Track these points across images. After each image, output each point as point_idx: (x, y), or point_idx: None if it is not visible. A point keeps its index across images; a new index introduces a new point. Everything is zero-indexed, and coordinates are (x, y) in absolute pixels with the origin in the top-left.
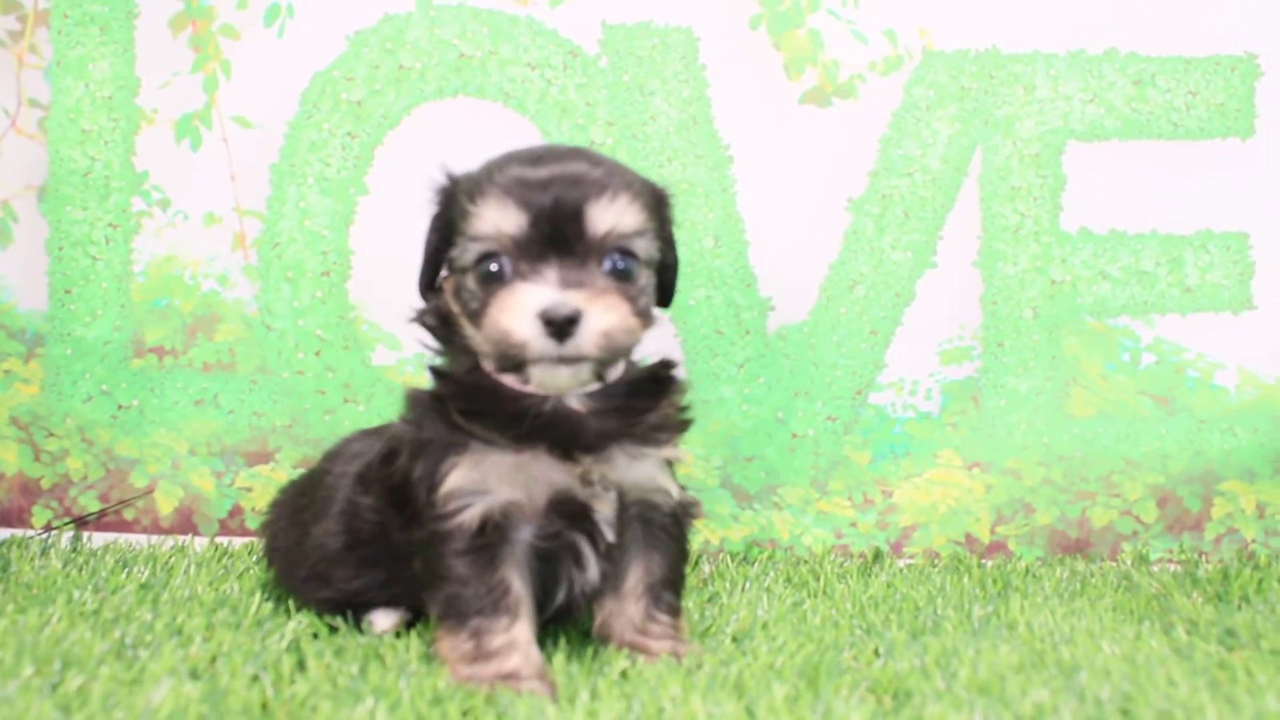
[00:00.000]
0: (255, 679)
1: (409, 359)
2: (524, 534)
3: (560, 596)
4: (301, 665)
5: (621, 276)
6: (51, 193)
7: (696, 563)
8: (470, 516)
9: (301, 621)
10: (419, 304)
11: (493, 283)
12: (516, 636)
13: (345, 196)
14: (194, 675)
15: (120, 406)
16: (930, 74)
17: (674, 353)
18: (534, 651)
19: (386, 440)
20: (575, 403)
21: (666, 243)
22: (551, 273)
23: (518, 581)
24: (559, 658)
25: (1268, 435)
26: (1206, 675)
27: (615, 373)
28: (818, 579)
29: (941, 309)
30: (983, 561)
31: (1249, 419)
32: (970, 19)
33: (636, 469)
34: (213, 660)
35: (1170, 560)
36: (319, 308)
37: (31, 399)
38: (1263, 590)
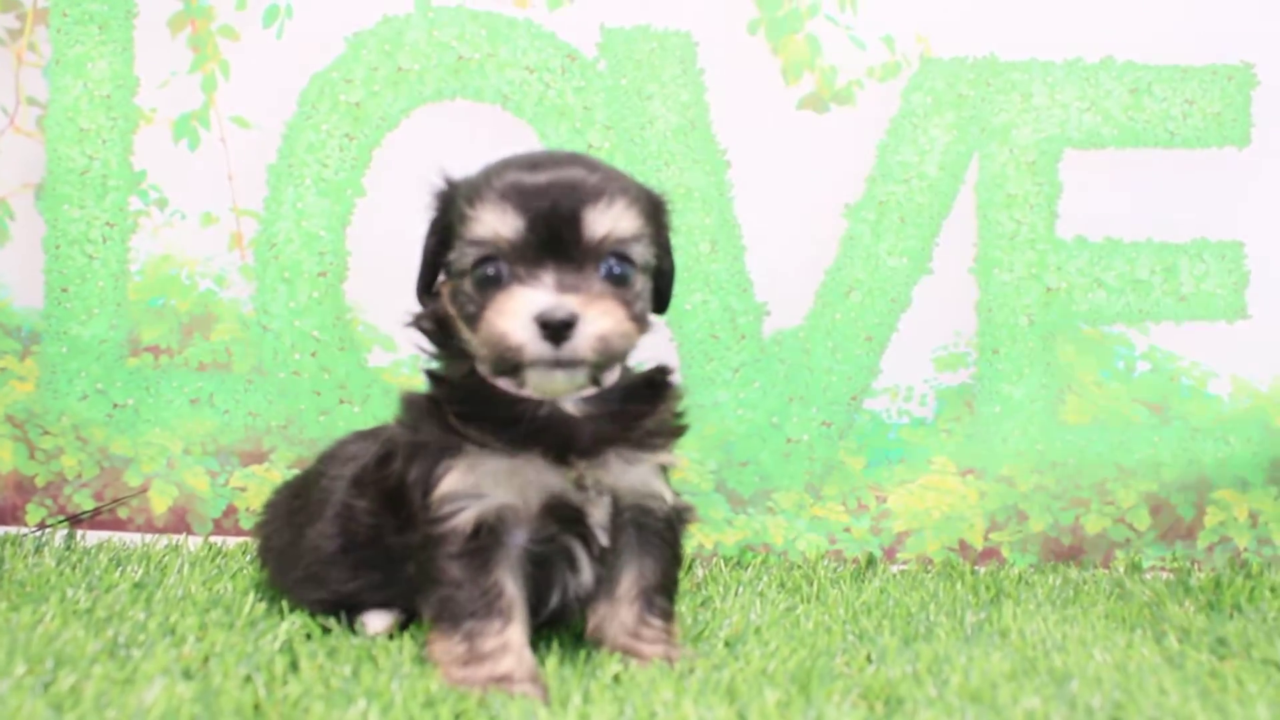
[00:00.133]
0: (248, 679)
1: (404, 360)
2: (518, 538)
3: (554, 600)
4: (294, 666)
5: (618, 281)
6: (49, 191)
7: (690, 567)
8: (464, 520)
9: (295, 622)
10: (416, 307)
11: (490, 286)
12: (509, 639)
13: (343, 198)
14: (187, 675)
15: (115, 405)
16: (928, 81)
17: (670, 357)
18: (527, 655)
19: (382, 443)
20: (570, 407)
21: (663, 249)
22: (548, 277)
23: (511, 584)
24: (551, 661)
25: (1261, 444)
26: (1198, 684)
27: (611, 377)
28: (811, 584)
29: (937, 315)
30: (976, 568)
31: (1242, 428)
32: (968, 26)
33: (631, 474)
34: (205, 660)
35: (1163, 568)
36: (315, 308)
37: (27, 397)
38: (1255, 599)
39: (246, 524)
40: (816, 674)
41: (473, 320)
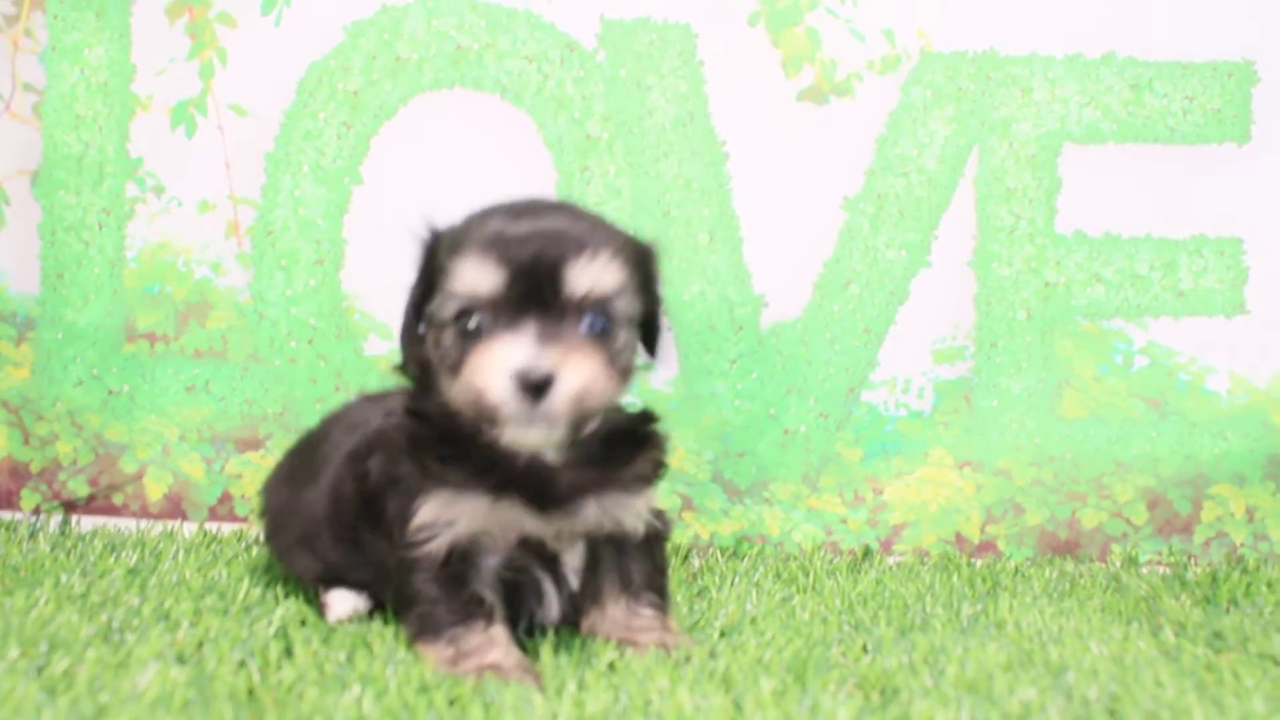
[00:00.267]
0: (242, 665)
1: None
2: (491, 562)
3: (521, 626)
4: (289, 651)
5: (599, 337)
6: (45, 177)
7: (686, 557)
8: (439, 545)
9: (289, 608)
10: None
11: (470, 339)
12: (494, 635)
13: (340, 186)
14: (181, 660)
15: (111, 392)
16: (928, 74)
17: (668, 348)
18: (514, 650)
19: (363, 435)
20: (550, 456)
21: (651, 297)
22: (528, 332)
23: (489, 594)
24: (545, 649)
25: (1258, 440)
26: (1194, 677)
27: (591, 425)
28: (807, 575)
29: (935, 308)
30: (972, 560)
31: (1240, 423)
32: (968, 20)
33: (606, 519)
34: (200, 645)
35: (1159, 563)
36: (312, 296)
37: (22, 383)
38: (1251, 594)
39: (241, 511)
40: (812, 664)
41: (453, 371)
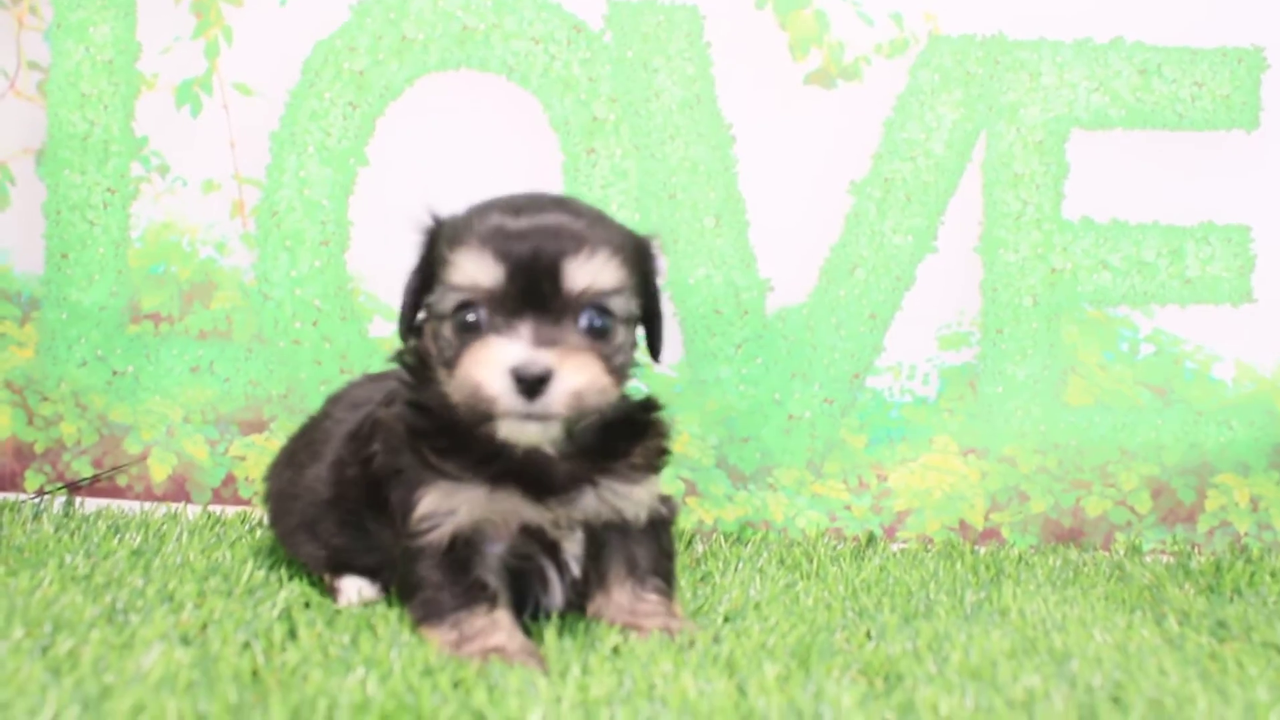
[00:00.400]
0: (246, 646)
1: None
2: (495, 549)
3: (526, 612)
4: (293, 633)
5: (597, 334)
6: (50, 156)
7: (690, 542)
8: (442, 534)
9: (293, 590)
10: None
11: (468, 333)
12: (497, 618)
13: (345, 166)
14: (185, 641)
15: (115, 372)
16: (936, 58)
17: (673, 332)
18: (518, 633)
19: (368, 413)
20: (548, 447)
21: (651, 294)
22: (526, 328)
23: (493, 580)
24: (550, 633)
25: (1264, 429)
26: (1197, 665)
27: (588, 420)
28: (811, 561)
29: (941, 294)
30: (976, 548)
31: (1245, 412)
32: (977, 4)
33: (605, 508)
34: (204, 627)
35: (1163, 551)
36: (317, 277)
37: (26, 363)
38: (1254, 583)
39: (245, 493)
40: (816, 649)
41: (450, 365)
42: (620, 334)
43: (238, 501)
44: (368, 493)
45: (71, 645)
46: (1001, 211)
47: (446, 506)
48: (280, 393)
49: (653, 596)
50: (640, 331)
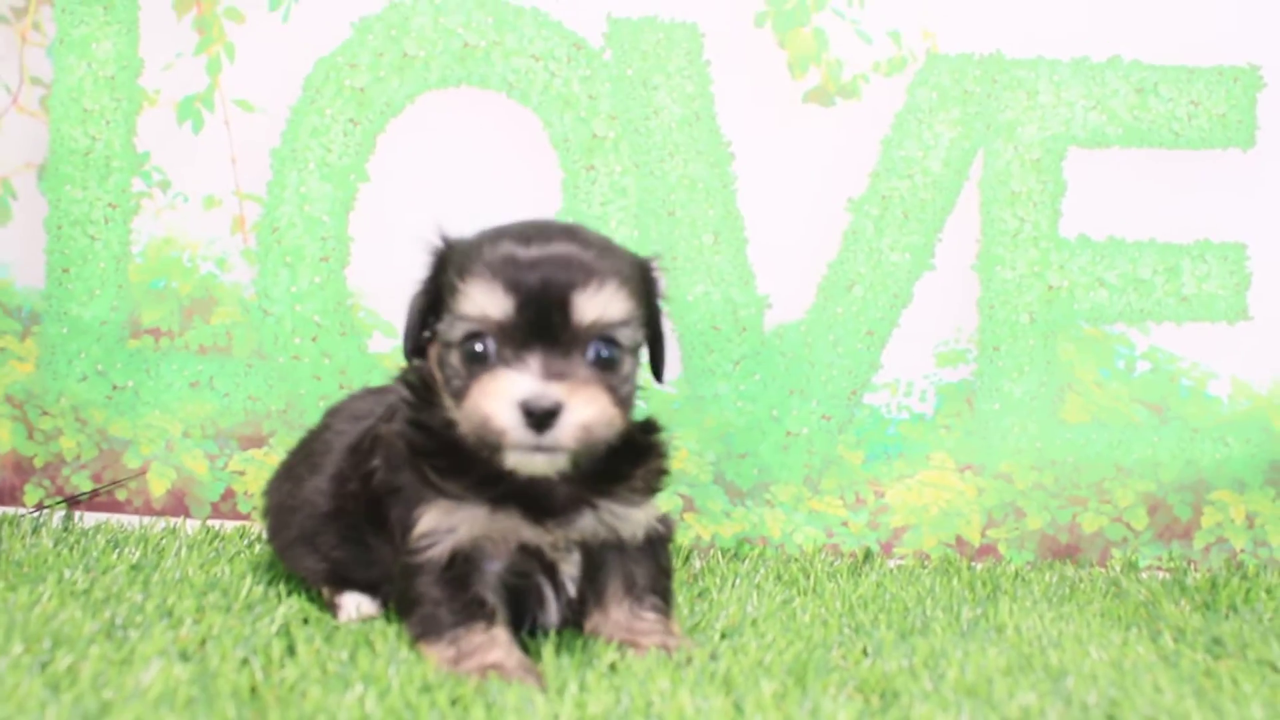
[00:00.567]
0: (245, 662)
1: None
2: (494, 566)
3: (523, 629)
4: (291, 650)
5: (605, 366)
6: (51, 171)
7: (687, 558)
8: (441, 551)
9: (292, 606)
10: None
11: (476, 364)
12: (495, 635)
13: (346, 183)
14: (184, 657)
15: (115, 387)
16: (933, 76)
17: (671, 348)
18: (516, 650)
19: (369, 427)
20: (549, 475)
21: (654, 317)
22: (535, 361)
23: (491, 597)
24: (548, 650)
25: (1259, 446)
26: (1192, 683)
27: (595, 452)
28: (808, 577)
29: (938, 311)
30: (973, 564)
31: (1241, 429)
32: (974, 23)
33: (603, 528)
34: (203, 643)
35: (1159, 568)
36: (317, 293)
37: (26, 377)
38: (1250, 600)
39: (245, 508)
40: (813, 666)
41: (458, 395)
42: (627, 364)
43: (237, 516)
44: (368, 508)
45: (70, 661)
46: (999, 229)
47: (446, 524)
48: (280, 408)
49: (650, 615)
50: (643, 352)
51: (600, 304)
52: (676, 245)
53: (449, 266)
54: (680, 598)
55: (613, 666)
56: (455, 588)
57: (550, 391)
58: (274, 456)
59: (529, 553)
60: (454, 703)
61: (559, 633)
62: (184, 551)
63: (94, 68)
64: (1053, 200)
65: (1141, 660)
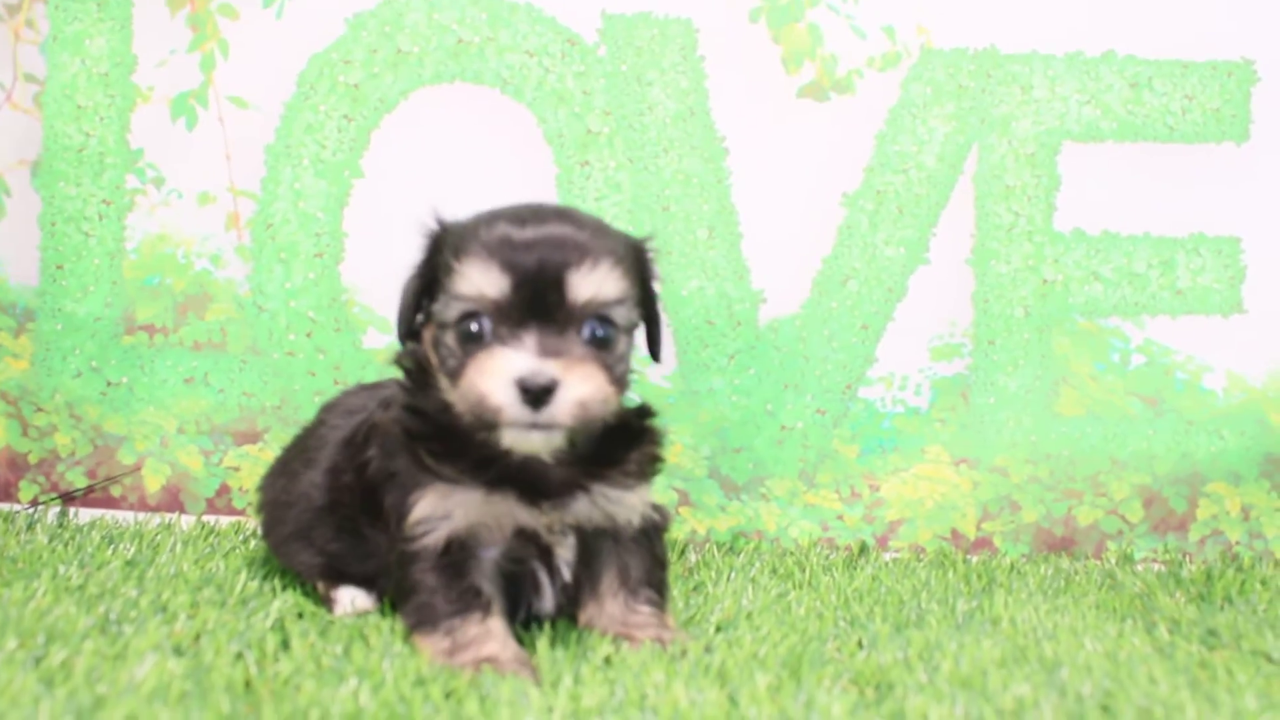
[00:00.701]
0: (239, 657)
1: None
2: (490, 553)
3: (519, 616)
4: (286, 644)
5: (600, 344)
6: (45, 168)
7: (683, 552)
8: (437, 537)
9: (287, 600)
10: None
11: (472, 343)
12: (491, 627)
13: (340, 179)
14: (178, 652)
15: (110, 383)
16: (928, 71)
17: (666, 343)
18: (511, 642)
19: (366, 416)
20: (545, 454)
21: (649, 298)
22: (531, 339)
23: (487, 586)
24: (542, 643)
25: (1254, 438)
26: (1187, 674)
27: (591, 431)
28: (803, 571)
29: (933, 305)
30: (968, 557)
31: (1236, 422)
32: (969, 18)
33: (597, 512)
34: (197, 638)
35: (1154, 560)
36: (311, 289)
37: (21, 374)
38: (1245, 592)
39: (239, 503)
40: (808, 659)
41: (454, 375)
42: (622, 343)
43: (232, 512)
44: (363, 498)
45: (65, 656)
46: (993, 223)
47: (442, 510)
48: (274, 404)
49: (645, 608)
50: (639, 332)
51: (595, 283)
52: (671, 240)
53: (444, 248)
54: (675, 591)
55: (607, 659)
56: (451, 576)
57: (546, 368)
58: (269, 452)
59: (525, 537)
60: (448, 696)
61: (553, 624)
62: (179, 547)
63: (88, 64)
64: (1047, 194)
65: (1136, 652)
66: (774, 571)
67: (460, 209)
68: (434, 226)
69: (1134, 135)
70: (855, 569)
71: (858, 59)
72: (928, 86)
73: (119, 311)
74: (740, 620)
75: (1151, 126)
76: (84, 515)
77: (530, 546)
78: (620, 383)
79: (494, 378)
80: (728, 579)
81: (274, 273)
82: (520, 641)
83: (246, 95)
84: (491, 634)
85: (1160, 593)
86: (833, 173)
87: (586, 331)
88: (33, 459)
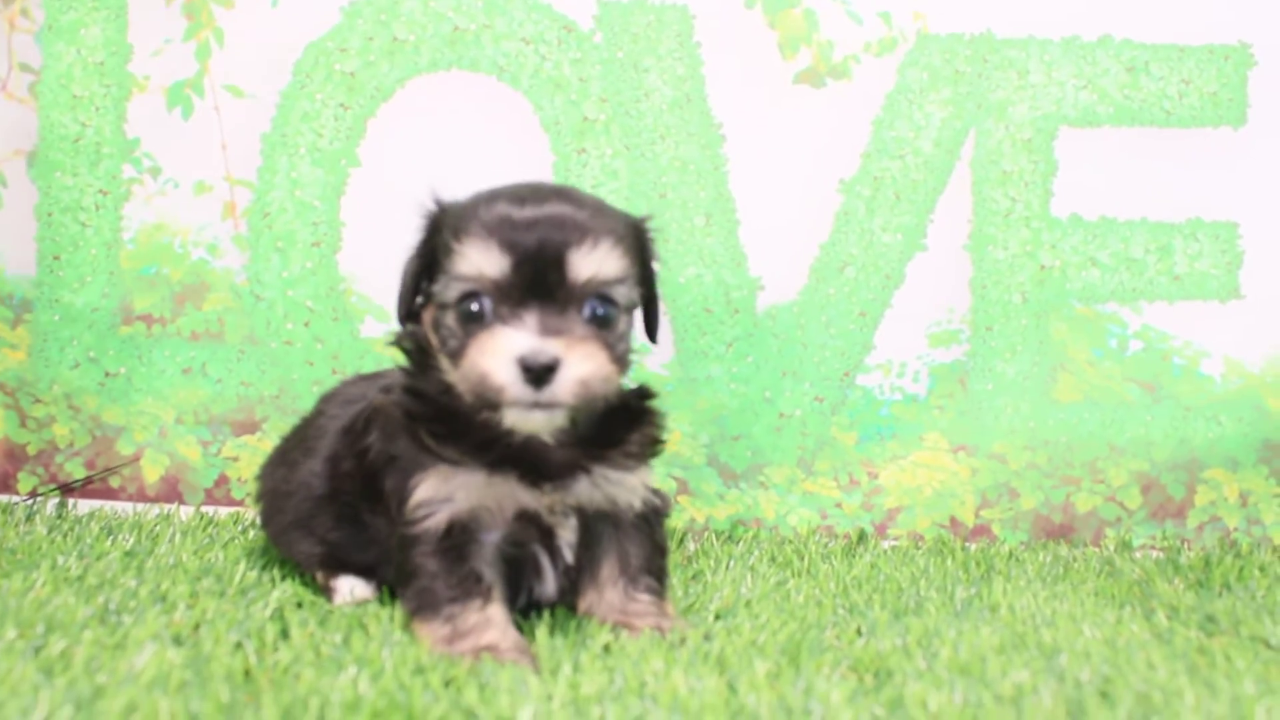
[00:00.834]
0: (238, 646)
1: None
2: (491, 537)
3: (521, 601)
4: (285, 633)
5: (601, 323)
6: (41, 158)
7: (681, 540)
8: (438, 520)
9: (286, 590)
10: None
11: (473, 323)
12: (491, 614)
13: (337, 168)
14: (177, 641)
15: (107, 374)
16: (924, 57)
17: (664, 330)
18: (511, 630)
19: (365, 405)
20: (546, 434)
21: (647, 278)
22: (532, 318)
23: (488, 572)
24: (541, 631)
25: (1252, 424)
26: (1186, 660)
27: (593, 410)
28: (802, 558)
29: (931, 292)
30: (966, 544)
31: (1234, 408)
32: (965, 3)
33: (598, 494)
34: (196, 627)
35: (1153, 547)
36: (308, 278)
37: (19, 365)
38: (1243, 578)
39: (238, 494)
40: (806, 646)
41: (455, 355)
42: (622, 322)
43: (230, 502)
44: (364, 484)
45: (64, 646)
46: (990, 209)
47: (444, 492)
48: (272, 393)
49: (645, 596)
50: (637, 312)
51: (596, 262)
52: (668, 227)
53: (443, 228)
54: (674, 579)
55: (606, 648)
56: (452, 560)
57: (548, 347)
58: (267, 442)
59: (526, 520)
60: (447, 684)
61: (553, 612)
62: (178, 537)
63: (83, 54)
64: (1044, 180)
65: (1135, 638)
66: (773, 559)
67: (458, 197)
68: (432, 207)
69: (1131, 120)
70: (854, 556)
71: (854, 44)
72: (924, 72)
73: (116, 302)
74: (739, 608)
75: (1148, 111)
76: (83, 506)
77: (531, 529)
78: (621, 361)
79: (495, 357)
80: (726, 567)
81: (271, 262)
82: (520, 630)
83: (242, 84)
84: (491, 622)
85: (1158, 579)
86: (830, 159)
87: (587, 310)
88: (31, 450)
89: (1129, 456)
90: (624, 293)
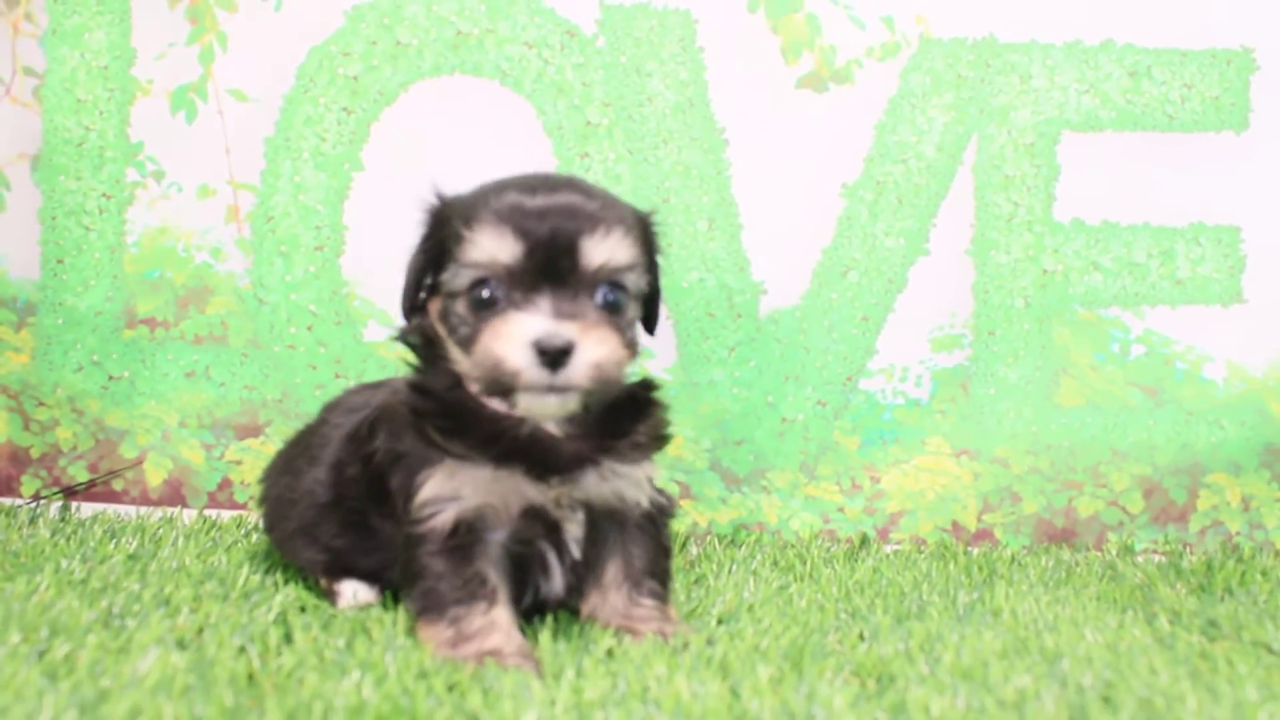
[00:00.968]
0: (242, 650)
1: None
2: (497, 536)
3: (526, 600)
4: (288, 637)
5: (612, 309)
6: (45, 162)
7: (684, 544)
8: (444, 519)
9: (289, 594)
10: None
11: (485, 309)
12: (495, 618)
13: (340, 172)
14: (181, 645)
15: (111, 377)
16: (927, 61)
17: (666, 335)
18: (515, 633)
19: (370, 412)
20: (552, 426)
21: (652, 269)
22: (545, 303)
23: (494, 573)
24: (545, 636)
25: (1254, 429)
26: (1188, 665)
27: (606, 396)
28: (804, 563)
29: (933, 296)
30: (969, 549)
31: (1236, 412)
32: (967, 7)
33: (606, 488)
34: (200, 631)
35: (1155, 551)
36: (312, 282)
37: (22, 368)
38: (1246, 582)
39: (241, 497)
40: (809, 651)
41: (466, 342)
42: (631, 310)
43: (234, 506)
44: (370, 488)
45: (68, 650)
46: (993, 214)
47: (450, 490)
48: (276, 397)
49: (648, 601)
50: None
51: (608, 249)
52: (671, 232)
53: (452, 218)
54: (677, 584)
55: (609, 652)
56: (458, 561)
57: (563, 330)
58: (270, 446)
59: (533, 515)
60: (451, 689)
61: (555, 616)
62: (181, 541)
63: (87, 58)
64: (1047, 184)
65: (1137, 643)
66: (775, 564)
67: (460, 192)
68: (435, 201)
69: (1133, 124)
70: (856, 561)
71: (857, 49)
72: (927, 76)
73: (120, 305)
74: (742, 613)
75: (1151, 115)
76: (86, 509)
77: (538, 525)
78: (631, 347)
79: (510, 341)
80: (729, 571)
81: (274, 266)
82: (523, 633)
83: (246, 88)
84: (496, 626)
85: (1161, 584)
86: (832, 163)
87: (599, 296)
88: (34, 453)
89: (1131, 461)
90: (634, 280)
